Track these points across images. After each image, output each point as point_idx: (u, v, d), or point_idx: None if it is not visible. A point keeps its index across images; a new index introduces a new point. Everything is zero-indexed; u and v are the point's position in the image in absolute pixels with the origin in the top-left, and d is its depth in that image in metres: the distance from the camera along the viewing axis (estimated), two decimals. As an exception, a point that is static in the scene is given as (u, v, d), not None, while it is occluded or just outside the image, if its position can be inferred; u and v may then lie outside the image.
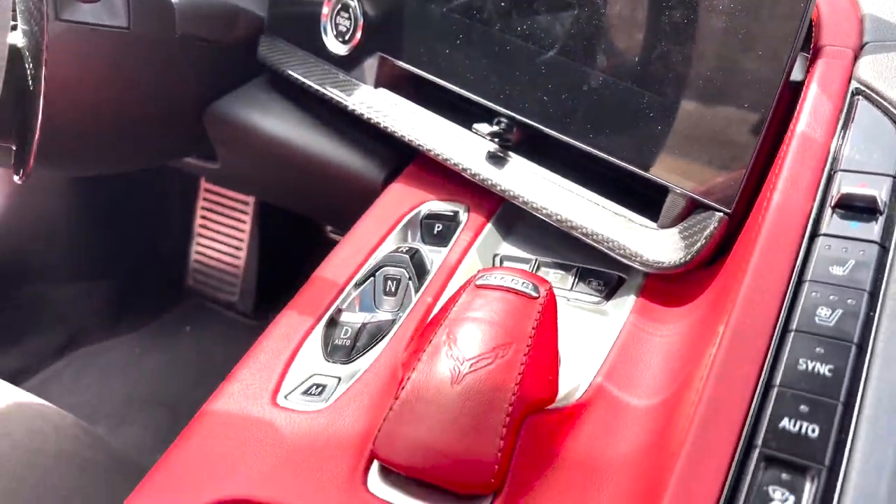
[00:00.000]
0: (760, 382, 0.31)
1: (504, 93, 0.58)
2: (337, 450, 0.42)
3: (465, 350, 0.42)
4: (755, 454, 0.28)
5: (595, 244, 0.53)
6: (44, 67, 0.46)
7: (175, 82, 0.72)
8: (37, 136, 0.47)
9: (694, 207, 0.50)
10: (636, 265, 0.50)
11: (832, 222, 0.36)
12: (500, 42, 0.58)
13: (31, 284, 1.19)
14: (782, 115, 0.45)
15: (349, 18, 0.69)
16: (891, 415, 0.28)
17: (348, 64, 0.70)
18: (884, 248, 0.35)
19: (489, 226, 0.60)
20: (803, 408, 0.29)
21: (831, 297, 0.33)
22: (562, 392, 0.45)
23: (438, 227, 0.60)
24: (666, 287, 0.51)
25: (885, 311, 0.32)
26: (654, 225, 0.52)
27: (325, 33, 0.71)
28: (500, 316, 0.44)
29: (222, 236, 1.30)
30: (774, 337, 0.33)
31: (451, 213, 0.61)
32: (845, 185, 0.37)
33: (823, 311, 0.32)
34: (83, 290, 1.26)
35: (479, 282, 0.47)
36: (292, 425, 0.44)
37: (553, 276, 0.55)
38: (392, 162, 0.70)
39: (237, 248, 1.31)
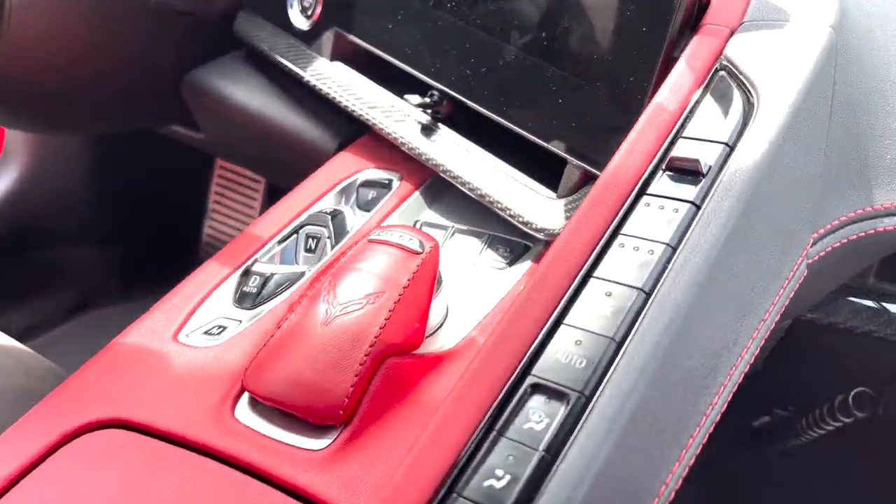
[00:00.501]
0: (551, 320, 0.33)
1: (435, 66, 0.61)
2: (215, 382, 0.45)
3: (340, 296, 0.45)
4: (525, 382, 0.31)
5: (500, 212, 0.55)
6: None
7: (150, 50, 0.76)
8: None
9: (588, 179, 0.51)
10: (531, 232, 0.52)
11: (659, 183, 0.38)
12: (433, 18, 0.60)
13: (46, 247, 1.25)
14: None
15: (312, -6, 0.73)
16: (653, 353, 0.30)
17: (310, 38, 0.73)
18: (697, 207, 0.36)
19: (416, 194, 0.62)
20: (579, 340, 0.31)
21: (634, 248, 0.34)
22: (438, 342, 0.48)
23: (372, 193, 0.63)
24: (561, 255, 0.53)
25: (677, 262, 0.34)
26: (554, 195, 0.53)
27: (291, 7, 0.75)
28: (381, 267, 0.47)
29: (234, 212, 1.35)
30: (575, 282, 0.35)
31: (386, 181, 0.64)
32: (680, 150, 0.39)
33: (626, 259, 0.34)
34: (97, 255, 1.32)
35: (371, 236, 0.49)
36: (183, 358, 0.48)
37: (465, 241, 0.57)
38: (345, 132, 0.73)
39: (247, 224, 1.36)
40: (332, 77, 0.70)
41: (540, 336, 0.32)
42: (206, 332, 0.51)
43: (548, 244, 0.54)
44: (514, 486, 0.27)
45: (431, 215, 0.61)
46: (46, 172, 1.18)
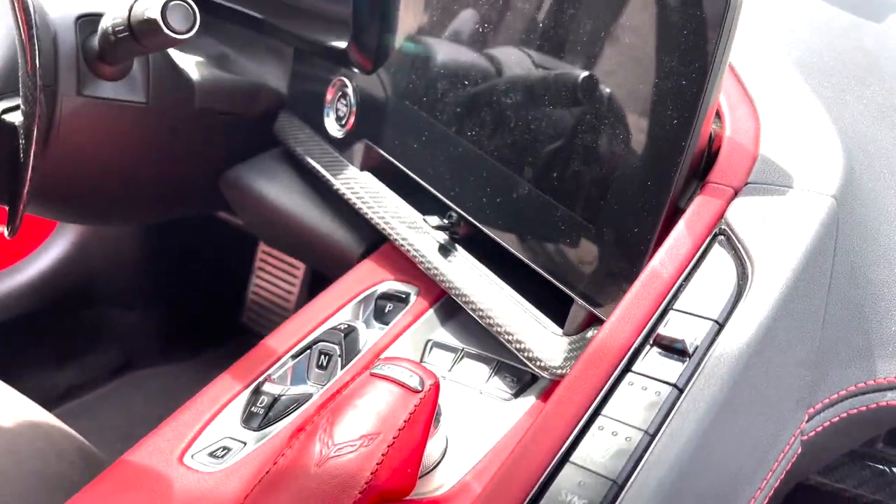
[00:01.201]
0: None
1: (455, 189, 0.62)
2: (216, 511, 0.47)
3: (336, 435, 0.46)
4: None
5: (506, 343, 0.55)
6: (33, 143, 0.54)
7: (192, 150, 0.80)
8: (23, 200, 0.55)
9: (594, 319, 0.51)
10: (531, 368, 0.53)
11: (646, 359, 0.38)
12: (455, 143, 0.62)
13: (96, 307, 1.30)
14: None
15: (347, 105, 0.75)
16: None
17: (342, 146, 0.76)
18: (680, 390, 0.36)
19: (430, 311, 0.63)
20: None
21: (612, 432, 0.34)
22: (434, 483, 0.48)
23: (389, 307, 0.64)
24: (565, 393, 0.52)
25: (654, 452, 0.33)
26: (560, 331, 0.54)
27: (327, 116, 0.77)
28: (379, 406, 0.47)
29: (278, 279, 1.38)
30: (552, 465, 0.35)
31: (403, 295, 0.65)
32: (670, 326, 0.39)
33: (603, 445, 0.34)
34: (143, 316, 1.36)
35: (373, 370, 0.50)
36: (185, 484, 0.49)
37: (473, 367, 0.58)
38: (372, 238, 0.75)
39: (289, 293, 1.38)
40: (360, 186, 0.73)
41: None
42: (210, 454, 0.52)
43: (552, 381, 0.54)
44: None
45: (443, 335, 0.62)
46: (100, 238, 1.23)
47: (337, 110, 0.77)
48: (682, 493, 0.32)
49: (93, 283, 1.29)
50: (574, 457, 0.34)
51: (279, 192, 0.81)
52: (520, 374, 0.56)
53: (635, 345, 0.39)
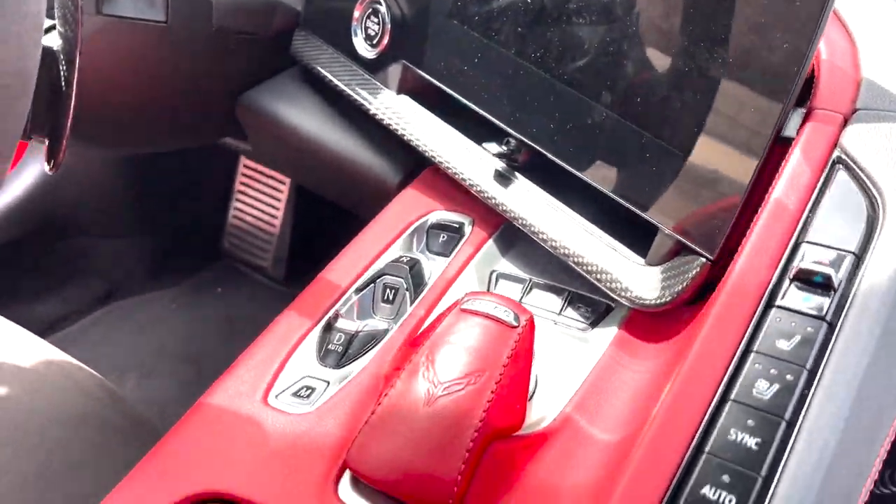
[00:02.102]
0: (692, 446, 0.33)
1: (515, 115, 0.60)
2: (315, 455, 0.46)
3: (440, 374, 0.45)
4: (674, 513, 0.31)
5: (586, 274, 0.55)
6: (76, 70, 0.50)
7: (210, 72, 0.75)
8: (66, 134, 0.51)
9: (680, 249, 0.51)
10: (620, 299, 0.52)
11: (788, 294, 0.38)
12: (515, 66, 0.59)
13: (75, 237, 1.25)
14: (771, 170, 0.46)
15: (378, 23, 0.71)
16: (803, 494, 0.30)
17: (374, 67, 0.72)
18: (831, 325, 0.36)
19: (490, 242, 0.62)
20: (725, 477, 0.32)
21: (772, 371, 0.34)
22: (532, 418, 0.48)
23: (443, 237, 0.63)
24: (647, 321, 0.53)
25: (819, 389, 0.34)
26: (641, 261, 0.53)
27: (355, 35, 0.73)
28: (478, 342, 0.46)
29: (259, 203, 1.34)
30: (713, 403, 0.35)
31: (457, 225, 0.63)
32: (807, 258, 0.38)
33: (762, 384, 0.34)
34: (124, 246, 1.32)
35: (464, 306, 0.49)
36: (278, 426, 0.48)
37: (544, 298, 0.57)
38: (408, 166, 0.73)
39: (273, 217, 1.35)
40: (398, 111, 0.69)
41: (683, 464, 0.33)
42: (294, 394, 0.51)
43: (634, 309, 0.54)
44: None
45: (507, 266, 0.61)
46: (76, 165, 1.17)
47: (366, 29, 0.73)
48: (850, 429, 0.33)
49: (69, 211, 1.24)
50: (736, 395, 0.34)
51: (301, 116, 0.77)
52: (594, 303, 0.56)
53: (774, 279, 0.39)
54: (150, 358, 1.29)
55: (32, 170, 1.17)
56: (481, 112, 0.63)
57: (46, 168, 0.53)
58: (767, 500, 0.31)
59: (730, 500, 0.31)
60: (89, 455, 0.72)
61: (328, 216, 1.35)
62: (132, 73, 0.68)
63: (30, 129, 0.50)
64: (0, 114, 0.42)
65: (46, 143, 0.53)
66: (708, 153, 0.48)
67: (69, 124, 0.51)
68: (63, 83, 0.50)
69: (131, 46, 0.66)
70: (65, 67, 0.50)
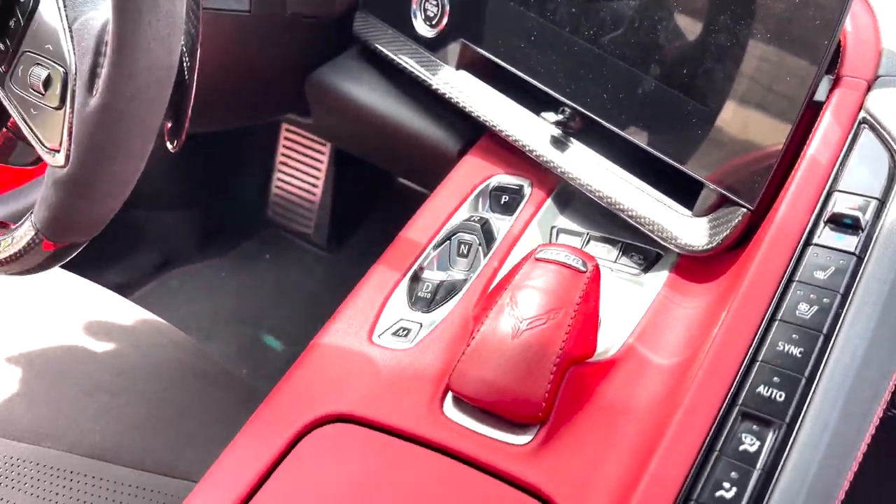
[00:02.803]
0: (747, 357, 0.41)
1: (570, 86, 0.67)
2: (420, 381, 0.54)
3: (524, 311, 0.53)
4: (735, 410, 0.39)
5: (638, 225, 0.63)
6: (197, 61, 0.57)
7: (282, 55, 0.82)
8: (188, 118, 0.59)
9: (724, 201, 0.59)
10: (671, 247, 0.60)
11: (823, 234, 0.46)
12: (569, 42, 0.67)
13: (136, 209, 1.34)
14: (804, 129, 0.54)
15: (437, 5, 0.78)
16: (838, 388, 0.38)
17: (434, 45, 0.79)
18: (860, 258, 0.44)
19: (549, 201, 0.70)
20: (776, 378, 0.40)
21: (811, 296, 0.42)
22: (600, 348, 0.56)
23: (505, 198, 0.71)
24: (695, 266, 0.61)
25: (850, 309, 0.42)
26: (688, 213, 0.61)
27: (415, 17, 0.80)
28: (554, 285, 0.55)
29: (300, 174, 1.42)
30: (763, 323, 0.43)
31: (517, 187, 0.71)
32: (838, 204, 0.46)
33: (803, 307, 0.42)
34: (177, 217, 1.41)
35: (538, 255, 0.57)
36: (385, 359, 0.56)
37: (600, 248, 0.65)
38: (466, 135, 0.80)
39: (313, 186, 1.43)
40: (457, 85, 0.77)
41: (741, 369, 0.41)
42: (394, 334, 0.59)
43: (680, 255, 0.62)
44: (741, 497, 0.36)
45: (566, 222, 0.69)
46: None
47: (425, 10, 0.80)
48: (874, 340, 0.41)
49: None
50: (782, 316, 0.42)
51: (367, 92, 0.85)
52: (645, 252, 0.64)
53: (810, 222, 0.47)
54: (207, 321, 1.38)
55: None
56: (538, 84, 0.70)
57: (169, 146, 0.61)
58: (811, 395, 0.39)
59: (780, 396, 0.39)
60: (191, 401, 0.81)
61: (366, 184, 1.43)
62: (214, 58, 0.75)
63: None
64: (154, 100, 0.50)
65: (169, 124, 0.61)
66: (748, 117, 0.56)
67: (190, 107, 0.59)
68: (186, 73, 0.58)
69: (217, 35, 0.73)
70: (187, 59, 0.58)
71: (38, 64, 0.52)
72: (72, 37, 0.51)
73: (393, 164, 0.97)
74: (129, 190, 0.55)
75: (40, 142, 0.53)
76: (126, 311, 0.87)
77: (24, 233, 0.56)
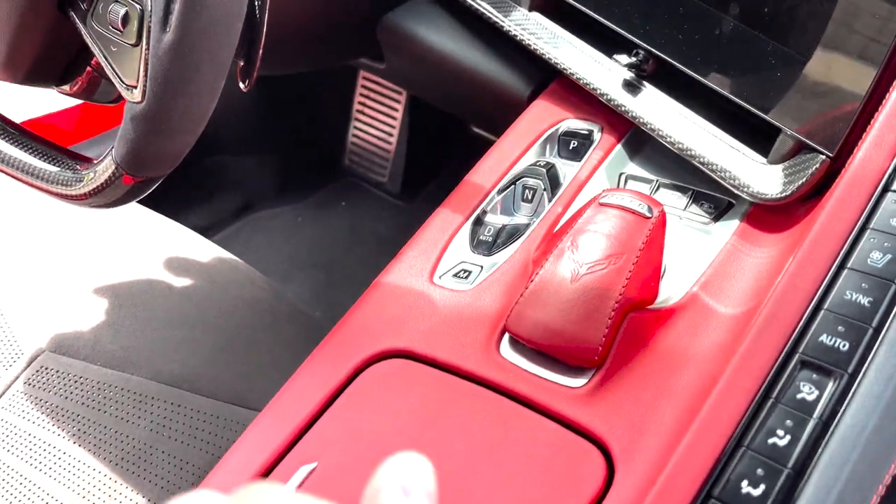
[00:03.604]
0: (812, 305, 0.40)
1: (644, 27, 0.65)
2: (478, 322, 0.55)
3: (584, 256, 0.53)
4: (795, 358, 0.38)
5: (710, 172, 0.61)
6: (268, 2, 0.58)
7: (357, -2, 0.83)
8: (259, 55, 0.60)
9: (801, 148, 0.56)
10: (743, 195, 0.58)
11: (903, 181, 0.43)
12: (645, -19, 0.64)
13: (217, 154, 1.38)
14: (890, 75, 0.51)
15: (510, -56, 0.77)
16: (908, 341, 0.37)
17: (506, -14, 0.78)
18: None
19: (618, 147, 0.68)
20: (841, 328, 0.38)
21: (885, 244, 0.40)
22: (663, 296, 0.55)
23: (574, 143, 0.69)
24: (767, 215, 0.58)
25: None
26: (763, 160, 0.59)
27: (488, -43, 0.79)
28: (616, 230, 0.54)
29: (376, 122, 1.43)
30: (831, 270, 0.41)
31: (586, 132, 0.70)
32: (923, 148, 0.43)
33: (875, 255, 0.40)
34: (256, 162, 1.45)
35: (602, 200, 0.56)
36: (444, 299, 0.57)
37: (670, 196, 0.64)
38: (537, 78, 0.79)
39: (389, 135, 1.44)
40: (529, 27, 0.75)
41: (804, 317, 0.39)
42: (454, 276, 0.60)
43: (752, 204, 0.60)
44: (795, 444, 0.35)
45: (635, 168, 0.67)
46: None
47: (499, -50, 0.78)
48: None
49: (211, 130, 1.36)
50: (852, 263, 0.41)
51: (439, 36, 0.84)
52: (716, 200, 0.62)
53: (891, 168, 0.44)
54: (284, 265, 1.43)
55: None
56: (611, 25, 0.68)
57: (241, 86, 0.62)
58: (876, 346, 0.37)
59: (843, 345, 0.37)
60: (263, 334, 0.85)
61: (441, 134, 1.43)
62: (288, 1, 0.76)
63: None
64: (224, 35, 0.52)
65: (241, 64, 0.62)
66: (831, 59, 0.53)
67: (262, 46, 0.60)
68: (257, 10, 0.59)
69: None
70: (259, 1, 0.59)
71: (116, 1, 0.54)
72: (147, -25, 0.52)
73: (465, 109, 0.97)
74: (201, 125, 0.56)
75: (119, 78, 0.55)
76: (205, 250, 0.90)
77: (105, 167, 0.58)
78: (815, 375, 0.37)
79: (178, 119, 0.54)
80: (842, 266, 0.41)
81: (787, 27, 0.55)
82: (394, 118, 1.43)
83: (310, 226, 1.48)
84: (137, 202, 0.61)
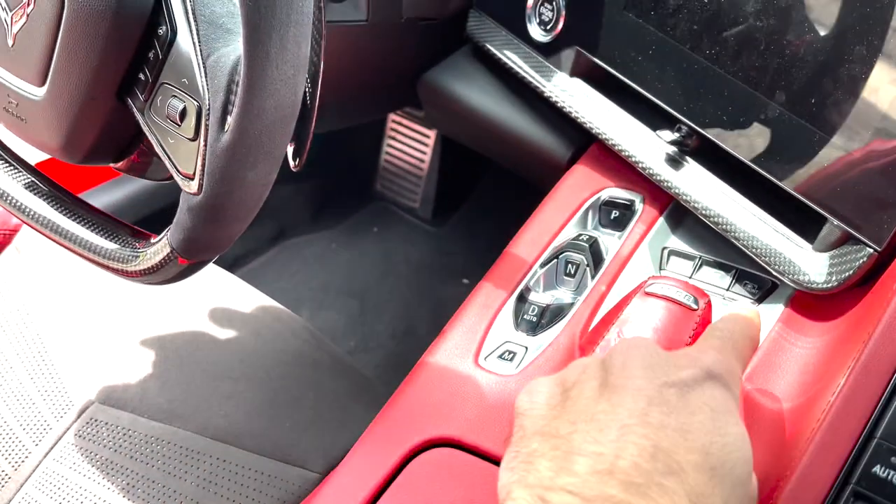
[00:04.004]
0: (864, 432, 0.40)
1: (688, 105, 0.66)
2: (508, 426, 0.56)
3: (630, 349, 0.54)
4: (848, 489, 0.38)
5: (753, 256, 0.61)
6: (319, 88, 0.59)
7: (398, 57, 0.84)
8: (309, 140, 0.62)
9: (848, 237, 0.56)
10: (788, 281, 0.59)
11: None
12: (689, 59, 0.65)
13: (252, 184, 1.39)
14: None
15: (552, 10, 0.77)
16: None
17: (547, 50, 0.78)
18: None
19: (661, 219, 0.69)
20: (894, 459, 0.39)
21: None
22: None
23: (615, 213, 0.70)
24: (813, 302, 0.59)
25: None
26: (809, 246, 0.59)
27: (530, 21, 0.79)
28: (663, 323, 0.54)
29: (408, 148, 1.44)
30: (885, 393, 0.41)
31: (628, 202, 0.70)
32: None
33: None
34: (293, 190, 1.47)
35: (648, 289, 0.57)
36: (491, 385, 0.58)
37: (713, 274, 0.64)
38: (577, 142, 0.80)
39: (420, 161, 1.45)
40: (571, 93, 0.76)
41: (857, 447, 0.40)
42: (499, 357, 0.61)
43: (798, 291, 0.60)
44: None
45: (678, 243, 0.68)
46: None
47: (540, 14, 0.79)
48: None
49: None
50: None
51: (478, 95, 0.85)
52: (760, 281, 0.62)
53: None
54: (318, 292, 1.45)
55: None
56: (654, 99, 0.68)
57: (292, 165, 0.64)
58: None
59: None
60: (307, 389, 0.86)
61: (470, 160, 1.44)
62: (336, 68, 0.77)
63: None
64: (279, 135, 0.53)
65: (292, 146, 0.63)
66: (879, 152, 0.53)
67: (312, 131, 0.61)
68: (308, 98, 0.60)
69: (338, 45, 0.75)
70: (309, 86, 0.60)
71: (174, 96, 0.56)
72: (206, 72, 0.54)
73: (509, 164, 0.98)
74: (254, 213, 0.58)
75: (176, 168, 0.57)
76: (250, 298, 0.92)
77: (159, 248, 0.60)
78: (869, 510, 0.37)
79: (233, 210, 0.56)
80: (894, 392, 0.41)
81: (832, 117, 0.55)
82: (426, 143, 1.44)
83: (343, 252, 1.50)
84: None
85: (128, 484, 0.78)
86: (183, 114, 0.55)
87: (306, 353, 0.90)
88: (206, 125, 0.53)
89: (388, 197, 1.52)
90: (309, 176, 1.47)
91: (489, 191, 1.46)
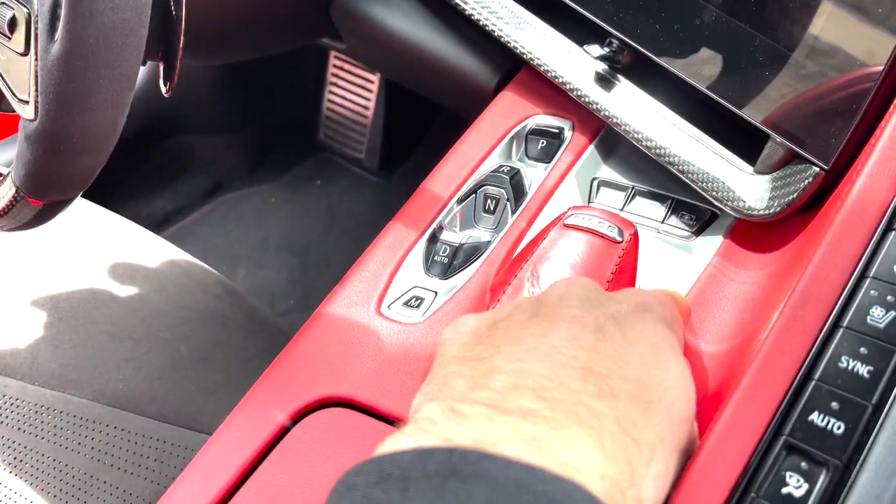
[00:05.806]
0: (800, 374, 0.34)
1: (619, 14, 0.58)
2: (427, 362, 0.48)
3: (544, 288, 0.47)
4: (780, 441, 0.32)
5: (690, 182, 0.54)
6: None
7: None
8: (179, 57, 0.53)
9: (792, 157, 0.49)
10: (726, 209, 0.52)
11: (912, 216, 0.37)
12: (619, -39, 0.57)
13: (182, 135, 1.31)
14: (893, 79, 0.44)
15: (472, -84, 0.68)
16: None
17: (469, -36, 0.70)
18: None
19: (591, 147, 0.61)
20: (834, 404, 0.32)
21: (888, 298, 0.34)
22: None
23: (542, 143, 0.63)
24: (754, 231, 0.52)
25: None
26: (750, 169, 0.52)
27: (448, -70, 0.71)
28: (582, 258, 0.47)
29: (351, 95, 1.36)
30: (824, 329, 0.35)
31: (556, 130, 0.63)
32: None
33: (877, 312, 0.34)
34: (226, 142, 1.38)
35: (566, 221, 0.50)
36: (392, 335, 0.51)
37: (647, 205, 0.57)
38: (504, 67, 0.72)
39: (365, 108, 1.37)
40: (495, 10, 0.68)
41: (791, 391, 0.33)
42: (405, 304, 0.53)
43: (740, 220, 0.53)
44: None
45: (609, 173, 0.60)
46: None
47: (460, -78, 0.70)
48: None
49: (176, 111, 1.29)
50: (849, 322, 0.34)
51: (397, 18, 0.77)
52: (698, 211, 0.56)
53: (894, 202, 0.37)
54: (257, 249, 1.36)
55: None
56: (582, 11, 0.60)
57: (163, 90, 0.55)
58: (877, 429, 0.31)
59: (838, 427, 0.31)
60: (215, 349, 0.79)
61: (418, 106, 1.35)
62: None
63: (145, 55, 0.52)
64: (123, 45, 0.44)
65: (161, 66, 0.55)
66: (827, 56, 0.46)
67: (181, 48, 0.52)
68: (173, 8, 0.52)
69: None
70: (174, -7, 0.51)
71: (3, 3, 0.47)
72: (34, -29, 0.45)
73: (432, 93, 0.89)
74: (110, 144, 0.49)
75: (11, 91, 0.48)
76: (156, 250, 0.84)
77: (5, 190, 0.51)
78: (803, 464, 0.31)
79: (79, 138, 0.47)
80: (836, 325, 0.34)
81: (778, 20, 0.48)
82: (370, 90, 1.35)
83: (283, 207, 1.41)
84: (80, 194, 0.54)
85: (14, 458, 0.70)
86: (13, 23, 0.46)
87: (217, 309, 0.82)
88: (36, 34, 0.45)
89: (331, 147, 1.43)
90: (243, 125, 1.37)
91: (439, 139, 1.38)
